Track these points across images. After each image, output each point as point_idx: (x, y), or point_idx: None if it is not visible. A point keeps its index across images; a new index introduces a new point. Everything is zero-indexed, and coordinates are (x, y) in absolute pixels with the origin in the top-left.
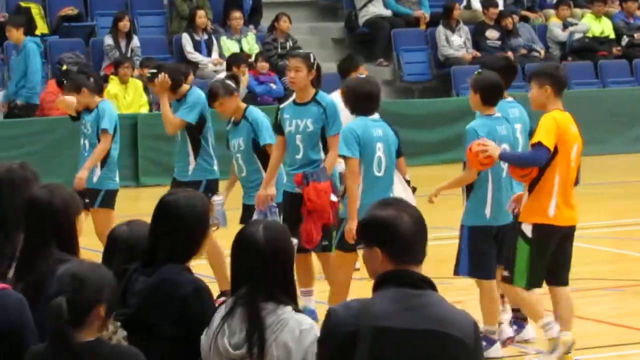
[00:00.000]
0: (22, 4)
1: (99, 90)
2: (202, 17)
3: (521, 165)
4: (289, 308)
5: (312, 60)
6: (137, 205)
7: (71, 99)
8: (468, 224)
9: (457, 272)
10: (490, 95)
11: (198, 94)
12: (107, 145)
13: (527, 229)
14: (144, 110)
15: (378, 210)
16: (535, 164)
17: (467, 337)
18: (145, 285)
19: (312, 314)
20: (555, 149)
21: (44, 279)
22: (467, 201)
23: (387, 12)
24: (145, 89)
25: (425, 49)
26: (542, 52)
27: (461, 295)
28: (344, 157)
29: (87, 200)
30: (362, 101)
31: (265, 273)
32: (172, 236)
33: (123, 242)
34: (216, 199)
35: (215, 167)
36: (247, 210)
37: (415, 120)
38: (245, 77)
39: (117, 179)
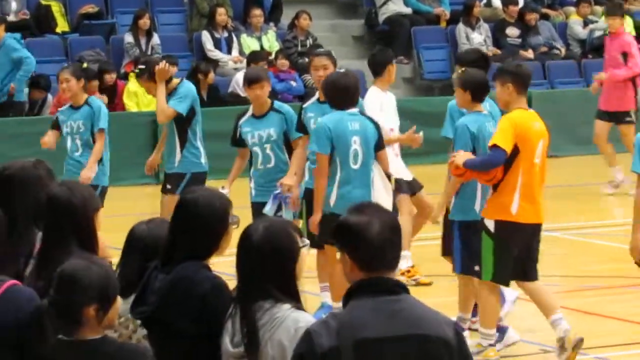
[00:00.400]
0: (43, 2)
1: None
2: (222, 15)
3: (481, 169)
4: (287, 306)
5: (335, 58)
6: (158, 202)
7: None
8: (458, 219)
9: (454, 270)
10: (479, 93)
11: (189, 87)
12: (103, 143)
13: (490, 225)
14: None
15: (350, 215)
16: (493, 165)
17: (448, 336)
18: (163, 283)
19: (329, 309)
20: (517, 148)
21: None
22: (456, 196)
23: (407, 10)
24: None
25: (445, 47)
26: (563, 49)
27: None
28: (315, 153)
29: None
30: (339, 95)
31: (262, 271)
32: (191, 234)
33: (141, 240)
34: (221, 192)
35: (203, 160)
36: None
37: (436, 118)
38: None
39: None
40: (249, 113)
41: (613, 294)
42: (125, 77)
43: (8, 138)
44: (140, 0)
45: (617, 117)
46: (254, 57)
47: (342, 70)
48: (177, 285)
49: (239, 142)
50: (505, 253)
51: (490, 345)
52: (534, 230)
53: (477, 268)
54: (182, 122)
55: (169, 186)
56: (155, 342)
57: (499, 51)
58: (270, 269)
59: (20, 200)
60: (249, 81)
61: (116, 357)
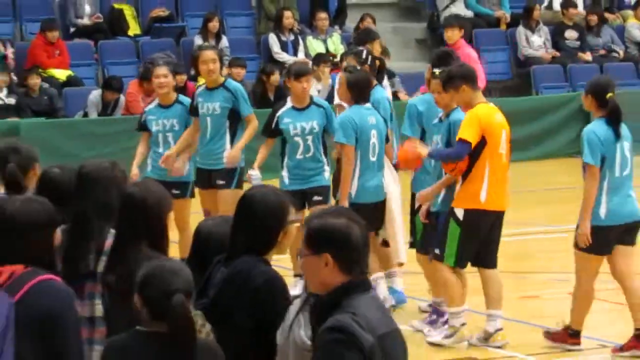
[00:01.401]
0: (115, 6)
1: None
2: (288, 18)
3: (446, 160)
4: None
5: (364, 56)
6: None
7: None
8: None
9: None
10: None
11: (238, 84)
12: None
13: (460, 213)
14: None
15: (330, 218)
16: (459, 158)
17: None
18: (222, 276)
19: (399, 294)
20: (484, 140)
21: (133, 273)
22: (447, 190)
23: (469, 13)
24: None
25: (505, 49)
26: (621, 52)
27: (538, 289)
28: (341, 145)
29: (177, 192)
30: (362, 91)
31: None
32: (248, 230)
33: (207, 236)
34: (252, 173)
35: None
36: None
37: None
38: (326, 76)
39: None
40: (289, 105)
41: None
42: (194, 78)
43: (81, 137)
44: (209, 4)
45: None
46: (319, 59)
47: (357, 68)
48: (233, 278)
49: (273, 132)
50: (470, 240)
51: (462, 324)
52: (497, 217)
53: (437, 251)
54: (236, 120)
55: (221, 182)
56: (215, 333)
57: (558, 53)
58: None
59: (94, 198)
60: (297, 74)
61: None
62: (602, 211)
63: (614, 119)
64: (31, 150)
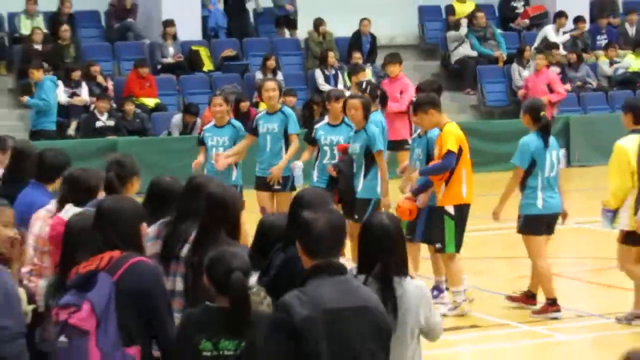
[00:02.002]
0: (193, 48)
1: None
2: (331, 57)
3: (439, 172)
4: (409, 278)
5: (363, 86)
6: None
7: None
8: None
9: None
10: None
11: (291, 110)
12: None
13: (450, 209)
14: None
15: (307, 213)
16: (449, 168)
17: (380, 306)
18: (280, 260)
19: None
20: (460, 150)
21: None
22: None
23: (474, 53)
24: None
25: (503, 81)
26: (595, 83)
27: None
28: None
29: (278, 187)
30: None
31: (394, 253)
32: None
33: (269, 228)
34: (298, 163)
35: None
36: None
37: (495, 136)
38: None
39: None
40: (325, 121)
41: None
42: (256, 105)
43: (166, 152)
44: (268, 46)
45: None
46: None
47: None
48: (288, 262)
49: (312, 140)
50: (461, 228)
51: (463, 300)
52: (469, 208)
53: (439, 245)
54: (286, 136)
55: (278, 186)
56: (274, 304)
57: None
58: (400, 251)
59: (195, 202)
60: (336, 97)
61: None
62: (540, 203)
63: (545, 132)
64: (133, 166)
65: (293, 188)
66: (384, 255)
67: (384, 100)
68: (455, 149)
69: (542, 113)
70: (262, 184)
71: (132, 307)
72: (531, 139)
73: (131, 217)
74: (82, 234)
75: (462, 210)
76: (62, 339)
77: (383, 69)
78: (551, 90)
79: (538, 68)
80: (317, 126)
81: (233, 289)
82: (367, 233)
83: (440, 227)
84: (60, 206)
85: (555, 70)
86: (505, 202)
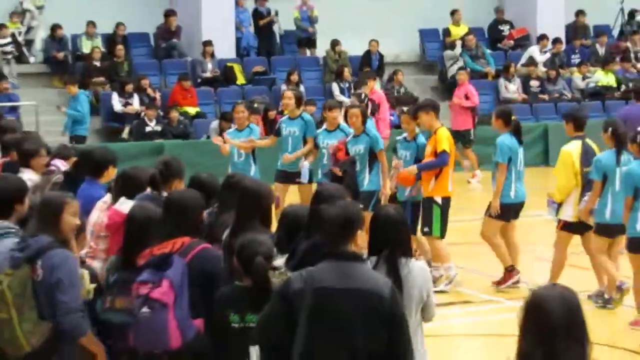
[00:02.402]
0: (228, 64)
1: None
2: (345, 72)
3: (433, 168)
4: (413, 260)
5: (362, 97)
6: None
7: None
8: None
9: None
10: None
11: (310, 117)
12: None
13: (439, 200)
14: None
15: (324, 205)
16: (443, 165)
17: (383, 292)
18: (304, 246)
19: None
20: (450, 150)
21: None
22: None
23: (467, 69)
24: None
25: (491, 93)
26: (570, 95)
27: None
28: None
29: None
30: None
31: (399, 238)
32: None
33: (287, 218)
34: (305, 163)
35: None
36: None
37: (485, 140)
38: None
39: None
40: (324, 127)
41: None
42: (281, 113)
43: (205, 153)
44: (291, 63)
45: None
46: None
47: None
48: (313, 248)
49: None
50: (445, 217)
51: (455, 274)
52: (450, 200)
53: (426, 229)
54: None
55: (299, 179)
56: None
57: (526, 96)
58: (405, 237)
59: (233, 196)
60: (329, 107)
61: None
62: (512, 193)
63: (517, 132)
64: (177, 168)
65: (311, 180)
66: (391, 241)
67: (374, 109)
68: (449, 150)
69: (513, 117)
70: (283, 177)
71: (198, 285)
72: (506, 138)
73: (195, 207)
74: (143, 222)
75: (447, 202)
76: (145, 309)
77: (361, 85)
78: (467, 98)
79: (460, 83)
80: (317, 132)
81: (255, 271)
82: (376, 222)
83: (429, 214)
84: (115, 199)
85: (515, 84)
86: (499, 195)
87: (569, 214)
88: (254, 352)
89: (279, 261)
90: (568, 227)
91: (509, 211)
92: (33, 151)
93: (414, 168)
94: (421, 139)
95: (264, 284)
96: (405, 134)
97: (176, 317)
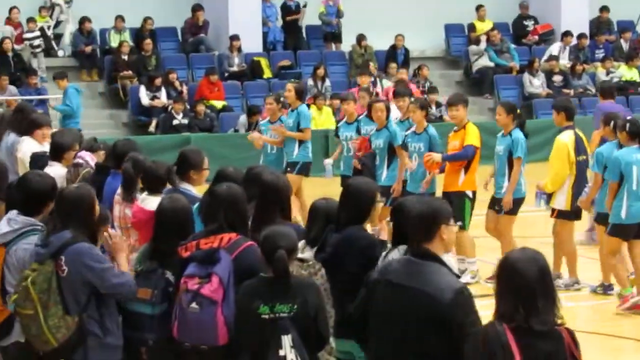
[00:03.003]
0: (255, 59)
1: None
2: (371, 66)
3: (457, 160)
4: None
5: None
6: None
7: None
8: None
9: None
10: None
11: (304, 109)
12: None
13: (470, 194)
14: (332, 127)
15: (401, 200)
16: (468, 158)
17: (443, 296)
18: (336, 239)
19: None
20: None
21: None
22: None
23: (491, 64)
24: (334, 114)
25: (516, 88)
26: (593, 90)
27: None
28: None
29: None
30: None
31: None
32: (353, 209)
33: (322, 211)
34: (328, 161)
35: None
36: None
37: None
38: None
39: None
40: (344, 120)
41: None
42: (308, 107)
43: (232, 146)
44: (318, 58)
45: None
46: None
47: None
48: (346, 240)
49: (337, 135)
50: (472, 211)
51: (477, 269)
52: None
53: (460, 223)
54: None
55: (289, 169)
56: (329, 276)
57: (550, 91)
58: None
59: (254, 188)
60: (342, 99)
61: (297, 285)
62: (523, 188)
63: (523, 126)
64: (192, 160)
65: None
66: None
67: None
68: (477, 145)
69: (518, 111)
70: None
71: (243, 281)
72: (520, 134)
73: (244, 202)
74: (172, 214)
75: (474, 195)
76: (194, 305)
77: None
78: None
79: (360, 83)
80: (339, 124)
81: (276, 263)
82: (398, 215)
83: (461, 208)
84: (125, 191)
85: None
86: (514, 189)
87: (561, 202)
88: (287, 341)
89: (308, 254)
90: (562, 215)
91: (518, 205)
92: (67, 145)
93: (439, 156)
94: (431, 129)
95: (285, 275)
96: (413, 128)
97: (224, 314)
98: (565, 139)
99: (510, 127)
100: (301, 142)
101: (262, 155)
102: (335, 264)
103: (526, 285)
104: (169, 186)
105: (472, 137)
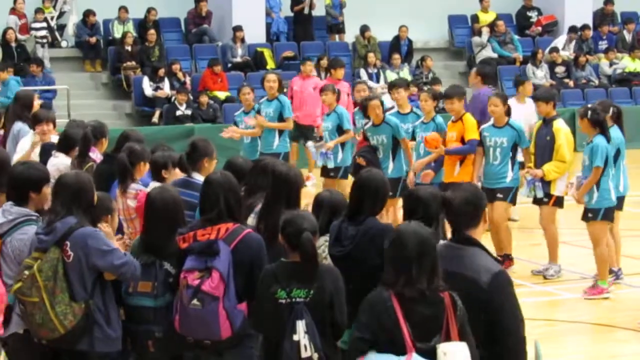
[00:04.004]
0: (258, 49)
1: None
2: (373, 58)
3: (461, 154)
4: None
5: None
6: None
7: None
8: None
9: None
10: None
11: (285, 98)
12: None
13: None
14: None
15: (448, 192)
16: (472, 152)
17: (481, 279)
18: (357, 231)
19: None
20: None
21: (276, 223)
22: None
23: (495, 55)
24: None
25: None
26: (597, 81)
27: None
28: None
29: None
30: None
31: (432, 218)
32: (370, 201)
33: (327, 203)
34: (309, 144)
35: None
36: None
37: None
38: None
39: None
40: (371, 123)
41: None
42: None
43: None
44: (321, 49)
45: None
46: (392, 85)
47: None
48: (367, 233)
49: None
50: None
51: None
52: None
53: None
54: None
55: (332, 174)
56: (349, 270)
57: (553, 82)
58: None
59: (262, 177)
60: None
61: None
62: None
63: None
64: (204, 149)
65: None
66: (423, 221)
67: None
68: (477, 137)
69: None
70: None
71: (242, 271)
72: (521, 124)
73: (238, 191)
74: (162, 205)
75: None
76: (195, 302)
77: (331, 72)
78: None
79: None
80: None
81: (303, 246)
82: (410, 202)
83: None
84: (120, 182)
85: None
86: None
87: (561, 189)
88: (301, 326)
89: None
90: (559, 202)
91: (515, 195)
92: (77, 140)
93: (442, 150)
94: (439, 118)
95: (313, 257)
96: (422, 119)
97: (225, 308)
98: (566, 127)
99: (504, 118)
100: (281, 132)
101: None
102: (357, 257)
103: (404, 255)
104: (179, 176)
105: (472, 130)
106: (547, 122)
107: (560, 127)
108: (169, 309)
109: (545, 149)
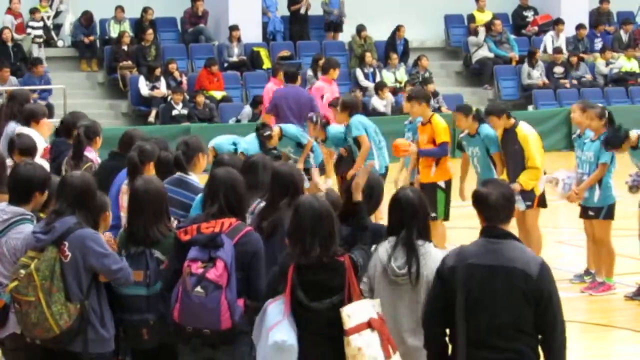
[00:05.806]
0: (254, 49)
1: None
2: (369, 58)
3: (433, 156)
4: (431, 244)
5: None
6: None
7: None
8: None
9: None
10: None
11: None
12: None
13: (442, 184)
14: None
15: (479, 187)
16: (443, 155)
17: (530, 270)
18: (347, 231)
19: None
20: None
21: (281, 221)
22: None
23: (491, 54)
24: None
25: (515, 78)
26: (589, 76)
27: None
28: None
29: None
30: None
31: (416, 220)
32: (369, 202)
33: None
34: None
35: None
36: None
37: None
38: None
39: None
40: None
41: None
42: None
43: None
44: (317, 48)
45: None
46: (380, 86)
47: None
48: (377, 234)
49: None
50: (449, 199)
51: None
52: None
53: (433, 214)
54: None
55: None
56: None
57: (548, 82)
58: (423, 219)
59: (257, 176)
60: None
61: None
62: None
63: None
64: (196, 144)
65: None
66: (408, 222)
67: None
68: (449, 140)
69: (474, 109)
70: None
71: (242, 267)
72: (489, 130)
73: (243, 188)
74: (144, 196)
75: (450, 184)
76: (199, 289)
77: (326, 73)
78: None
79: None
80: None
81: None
82: (395, 203)
83: (433, 199)
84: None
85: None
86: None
87: (541, 187)
88: None
89: None
90: (542, 202)
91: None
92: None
93: (414, 149)
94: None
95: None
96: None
97: (227, 299)
98: (531, 130)
99: (475, 126)
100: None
101: None
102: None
103: (300, 226)
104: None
105: (442, 134)
106: (509, 131)
107: (526, 133)
108: (162, 297)
109: (516, 157)
